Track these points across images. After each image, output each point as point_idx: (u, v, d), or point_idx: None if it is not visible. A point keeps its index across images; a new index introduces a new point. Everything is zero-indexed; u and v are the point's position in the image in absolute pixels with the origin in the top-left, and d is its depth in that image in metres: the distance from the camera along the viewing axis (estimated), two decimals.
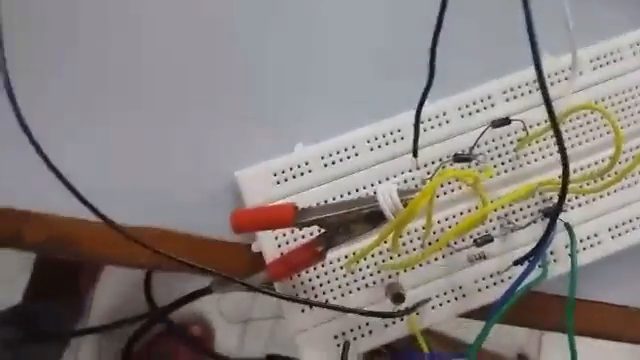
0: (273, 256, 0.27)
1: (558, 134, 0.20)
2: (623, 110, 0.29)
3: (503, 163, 0.28)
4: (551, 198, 0.29)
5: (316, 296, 0.27)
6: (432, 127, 0.28)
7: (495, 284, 0.28)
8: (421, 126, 0.25)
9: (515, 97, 0.29)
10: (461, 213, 0.28)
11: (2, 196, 0.27)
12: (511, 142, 0.28)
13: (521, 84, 0.29)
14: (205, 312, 0.76)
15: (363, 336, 0.27)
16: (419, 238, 0.28)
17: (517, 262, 0.27)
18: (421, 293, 0.28)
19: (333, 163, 0.27)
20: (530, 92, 0.29)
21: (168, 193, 0.28)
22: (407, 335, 0.27)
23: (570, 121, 0.29)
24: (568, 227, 0.27)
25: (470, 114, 0.28)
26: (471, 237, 0.28)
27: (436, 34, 0.22)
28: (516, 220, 0.28)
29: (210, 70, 0.29)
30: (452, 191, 0.28)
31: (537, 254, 0.25)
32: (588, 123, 0.29)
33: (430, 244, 0.28)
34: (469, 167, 0.28)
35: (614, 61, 0.30)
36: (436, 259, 0.28)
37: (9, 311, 0.57)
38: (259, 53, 0.29)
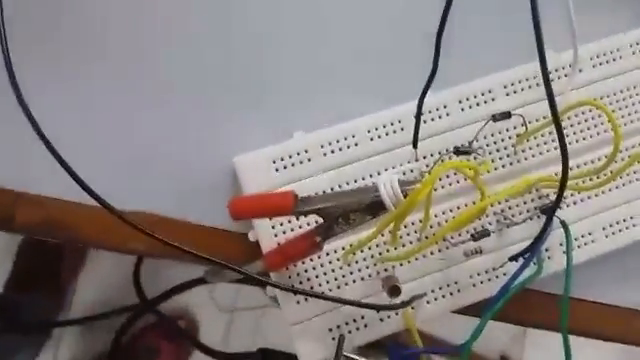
0: (269, 245, 0.26)
1: (560, 130, 0.20)
2: (620, 109, 0.30)
3: (501, 158, 0.28)
4: (547, 195, 0.29)
5: (312, 287, 0.27)
6: (432, 119, 0.28)
7: (490, 280, 0.28)
8: (421, 118, 0.25)
9: (515, 92, 0.29)
10: (458, 207, 0.28)
11: None
12: (510, 137, 0.28)
13: (522, 79, 0.29)
14: (190, 305, 0.75)
15: (358, 329, 0.27)
16: (416, 231, 0.28)
17: (512, 258, 0.27)
18: (417, 287, 0.27)
19: (332, 152, 0.27)
20: (530, 87, 0.29)
21: (166, 179, 0.28)
22: (401, 330, 0.27)
23: (568, 118, 0.29)
24: (564, 225, 0.27)
25: (470, 107, 0.28)
26: (467, 232, 0.28)
27: (441, 27, 0.22)
28: (512, 216, 0.28)
29: (210, 55, 0.28)
30: (450, 185, 0.28)
31: (533, 251, 0.25)
32: (586, 121, 0.29)
33: (427, 237, 0.27)
34: (468, 160, 0.28)
35: (614, 60, 0.30)
36: (432, 253, 0.28)
37: None
38: (260, 39, 0.29)
